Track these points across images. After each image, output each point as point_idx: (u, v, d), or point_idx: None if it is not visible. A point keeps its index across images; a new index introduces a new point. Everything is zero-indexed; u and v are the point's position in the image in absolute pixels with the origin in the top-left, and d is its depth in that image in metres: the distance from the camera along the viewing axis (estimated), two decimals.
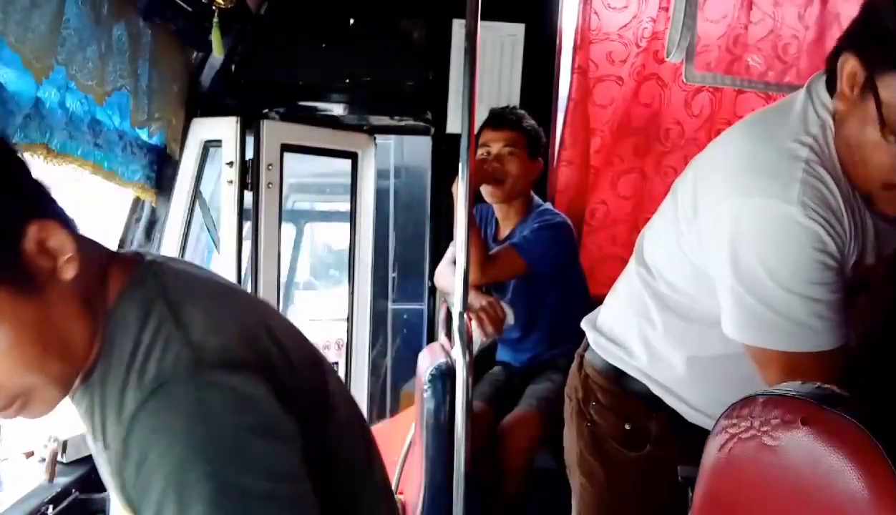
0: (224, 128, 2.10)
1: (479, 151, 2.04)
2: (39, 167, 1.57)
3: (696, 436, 1.22)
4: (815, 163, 0.97)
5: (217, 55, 1.97)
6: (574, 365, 1.44)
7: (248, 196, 2.10)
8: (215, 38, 1.87)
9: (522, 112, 2.12)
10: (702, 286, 1.13)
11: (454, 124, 2.35)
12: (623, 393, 1.31)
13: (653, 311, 1.23)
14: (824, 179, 0.97)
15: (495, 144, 2.04)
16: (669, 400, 1.26)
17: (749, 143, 1.05)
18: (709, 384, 1.22)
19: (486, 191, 2.07)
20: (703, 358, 1.20)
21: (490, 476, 1.88)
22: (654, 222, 1.28)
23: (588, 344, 1.40)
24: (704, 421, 1.23)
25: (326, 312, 4.34)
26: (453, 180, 1.75)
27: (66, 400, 0.77)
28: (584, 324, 1.42)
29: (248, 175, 2.09)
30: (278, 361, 0.76)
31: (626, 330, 1.30)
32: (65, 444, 1.94)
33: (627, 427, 1.31)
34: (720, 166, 1.07)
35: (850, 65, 0.95)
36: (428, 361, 1.82)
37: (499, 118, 2.08)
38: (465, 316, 1.61)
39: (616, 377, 1.31)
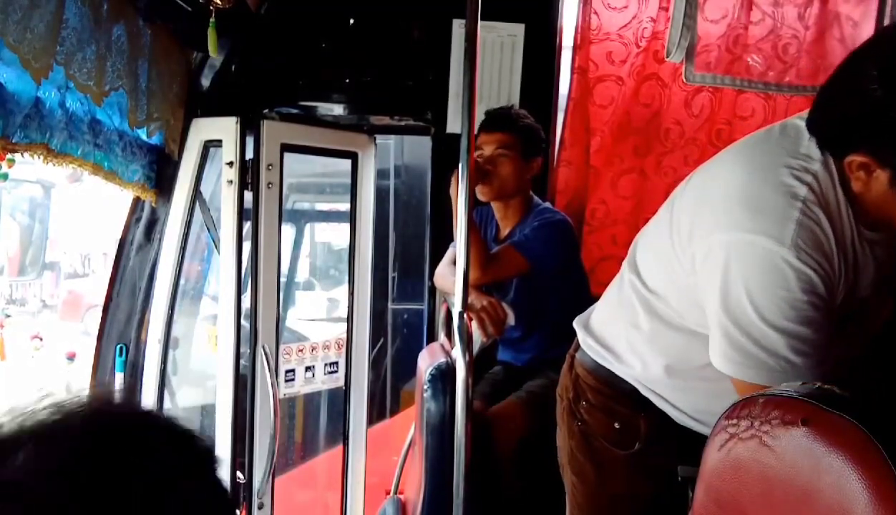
0: (224, 128, 2.10)
1: (476, 153, 2.04)
2: (39, 167, 1.57)
3: (685, 435, 1.23)
4: (812, 203, 0.97)
5: (212, 54, 1.98)
6: (565, 366, 1.46)
7: (248, 196, 2.10)
8: (211, 37, 1.88)
9: (519, 111, 2.10)
10: (690, 301, 1.14)
11: (454, 124, 2.34)
12: (612, 393, 1.32)
13: (641, 317, 1.24)
14: (820, 221, 0.97)
15: (488, 147, 2.03)
16: (657, 402, 1.28)
17: (748, 175, 1.04)
18: (692, 391, 1.24)
19: (476, 189, 2.06)
20: (687, 367, 1.21)
21: (488, 470, 1.87)
22: (649, 230, 1.29)
23: (579, 345, 1.40)
24: (690, 423, 1.25)
25: (326, 312, 4.34)
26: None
27: None
28: (575, 324, 1.43)
29: (248, 175, 2.09)
30: None
31: (615, 333, 1.31)
32: None
33: (617, 426, 1.32)
34: (718, 195, 1.07)
35: (861, 162, 0.94)
36: (428, 361, 1.82)
37: (492, 120, 2.06)
38: (465, 316, 1.61)
39: (605, 377, 1.33)
